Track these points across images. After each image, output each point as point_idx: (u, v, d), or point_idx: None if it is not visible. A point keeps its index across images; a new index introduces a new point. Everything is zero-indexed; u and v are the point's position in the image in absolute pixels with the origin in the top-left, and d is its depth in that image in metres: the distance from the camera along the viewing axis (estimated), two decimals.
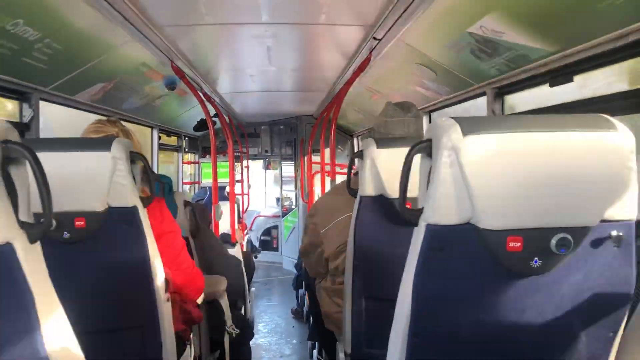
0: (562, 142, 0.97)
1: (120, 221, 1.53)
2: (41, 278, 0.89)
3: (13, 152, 0.85)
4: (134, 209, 1.54)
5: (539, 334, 1.07)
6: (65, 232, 1.48)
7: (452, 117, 1.00)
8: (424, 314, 1.06)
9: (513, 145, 0.97)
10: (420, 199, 1.07)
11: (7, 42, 1.84)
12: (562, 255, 0.99)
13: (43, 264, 0.91)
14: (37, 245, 0.90)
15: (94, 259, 1.57)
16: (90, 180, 1.48)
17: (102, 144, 1.51)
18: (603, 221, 1.01)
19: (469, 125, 0.97)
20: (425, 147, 1.03)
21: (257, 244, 8.44)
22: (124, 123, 1.92)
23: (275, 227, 8.48)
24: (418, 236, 1.03)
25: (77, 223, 1.49)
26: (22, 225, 0.86)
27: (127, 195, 1.52)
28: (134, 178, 1.55)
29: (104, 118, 1.93)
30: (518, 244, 0.98)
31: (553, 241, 0.98)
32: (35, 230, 0.88)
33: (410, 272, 1.05)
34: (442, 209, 0.99)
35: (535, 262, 1.00)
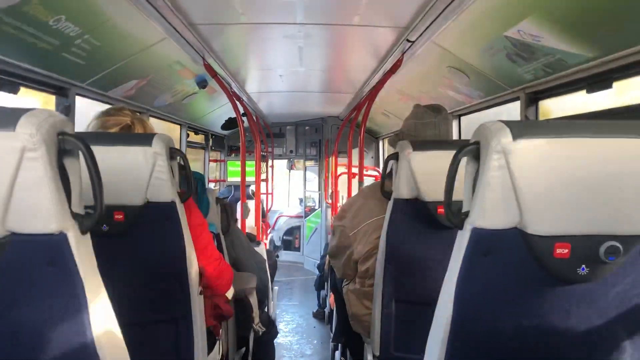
0: (613, 149, 0.95)
1: (158, 216, 1.55)
2: (90, 267, 0.92)
3: (68, 144, 0.87)
4: (172, 204, 1.55)
5: (582, 343, 1.05)
6: (104, 225, 1.50)
7: (501, 121, 0.99)
8: (465, 318, 1.04)
9: (564, 150, 0.95)
10: (465, 202, 1.05)
11: (49, 37, 1.88)
12: (610, 263, 0.97)
13: (92, 253, 0.94)
14: (88, 236, 0.92)
15: (131, 252, 1.59)
16: (131, 174, 1.50)
17: (143, 139, 1.52)
18: None
19: (519, 129, 0.96)
20: (473, 150, 1.02)
21: (279, 243, 8.47)
22: (152, 120, 1.93)
23: (298, 227, 8.50)
24: (462, 240, 1.02)
25: (116, 216, 1.51)
26: (75, 216, 0.88)
27: (166, 190, 1.54)
28: (172, 174, 1.57)
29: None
30: (566, 251, 0.97)
31: (602, 249, 0.96)
32: (86, 221, 0.91)
33: (452, 276, 1.04)
34: (488, 213, 0.98)
35: (583, 269, 0.98)
